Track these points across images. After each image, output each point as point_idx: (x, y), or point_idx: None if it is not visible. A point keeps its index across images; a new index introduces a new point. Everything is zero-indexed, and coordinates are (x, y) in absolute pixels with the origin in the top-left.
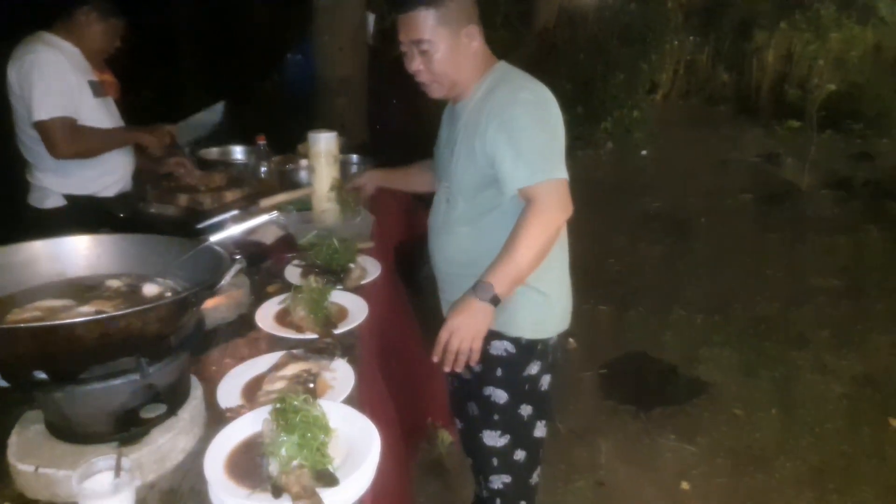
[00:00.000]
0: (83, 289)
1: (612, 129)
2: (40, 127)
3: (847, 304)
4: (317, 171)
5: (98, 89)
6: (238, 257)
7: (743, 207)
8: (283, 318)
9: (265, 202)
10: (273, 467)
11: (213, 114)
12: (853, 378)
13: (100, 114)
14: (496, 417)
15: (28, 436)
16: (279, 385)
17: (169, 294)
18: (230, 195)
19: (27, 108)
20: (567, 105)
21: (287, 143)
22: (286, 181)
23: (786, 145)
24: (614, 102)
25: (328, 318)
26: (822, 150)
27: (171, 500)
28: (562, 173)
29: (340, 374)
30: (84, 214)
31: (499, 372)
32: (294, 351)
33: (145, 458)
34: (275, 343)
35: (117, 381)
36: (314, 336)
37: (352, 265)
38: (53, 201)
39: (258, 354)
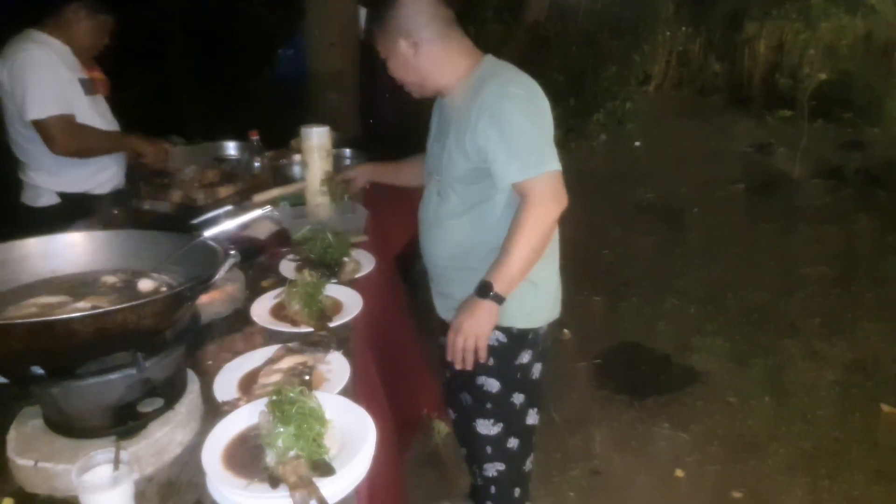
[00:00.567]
0: (78, 285)
1: (604, 121)
2: (38, 125)
3: (838, 292)
4: (310, 166)
5: (88, 87)
6: (232, 252)
7: (735, 197)
8: (278, 312)
9: (259, 197)
10: (270, 458)
11: None
12: (844, 365)
13: (91, 111)
14: (489, 406)
15: (27, 431)
16: (275, 378)
17: (164, 289)
18: (223, 191)
19: (19, 107)
20: (559, 97)
21: (280, 138)
22: (279, 176)
23: (777, 135)
24: (607, 94)
25: (323, 312)
26: (813, 140)
27: (169, 493)
28: (554, 165)
29: (336, 367)
30: (78, 212)
31: (491, 361)
32: (289, 344)
33: (143, 452)
34: (270, 337)
35: (114, 376)
36: (309, 329)
37: (346, 259)
38: (47, 199)
39: (254, 348)
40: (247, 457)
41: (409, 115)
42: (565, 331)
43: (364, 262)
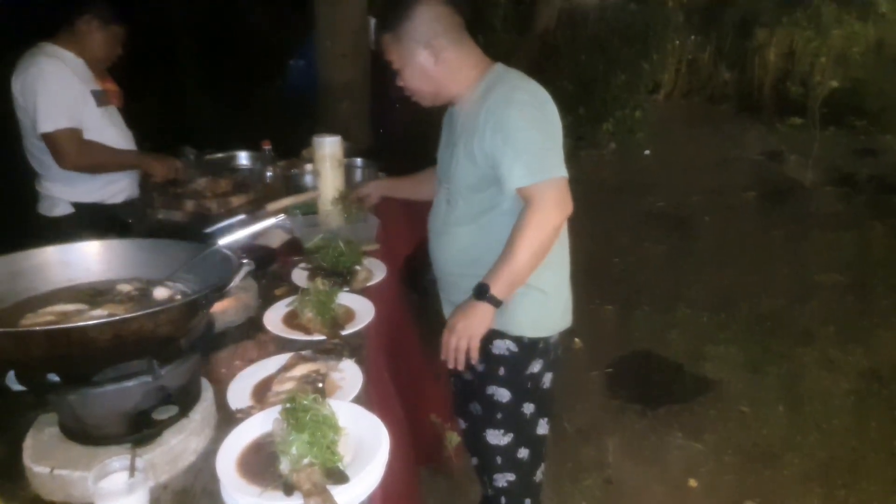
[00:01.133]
0: (95, 293)
1: (614, 130)
2: (47, 138)
3: (852, 299)
4: (322, 175)
5: (101, 98)
6: (246, 260)
7: (747, 205)
8: (290, 320)
9: (271, 206)
10: (284, 465)
11: None
12: (860, 374)
13: (103, 122)
14: (499, 416)
15: (43, 438)
16: (288, 386)
17: (179, 297)
18: (236, 200)
19: (32, 120)
20: (569, 106)
21: (292, 147)
22: (291, 185)
23: (788, 142)
24: (616, 102)
25: (335, 320)
26: (825, 147)
27: (184, 500)
28: (560, 172)
29: (348, 375)
30: (92, 222)
31: (501, 371)
32: (302, 352)
33: (158, 459)
34: (283, 345)
35: (130, 383)
36: (322, 337)
37: (358, 267)
38: (62, 209)
39: (267, 356)
40: (261, 464)
41: (419, 125)
42: (577, 340)
43: (376, 271)
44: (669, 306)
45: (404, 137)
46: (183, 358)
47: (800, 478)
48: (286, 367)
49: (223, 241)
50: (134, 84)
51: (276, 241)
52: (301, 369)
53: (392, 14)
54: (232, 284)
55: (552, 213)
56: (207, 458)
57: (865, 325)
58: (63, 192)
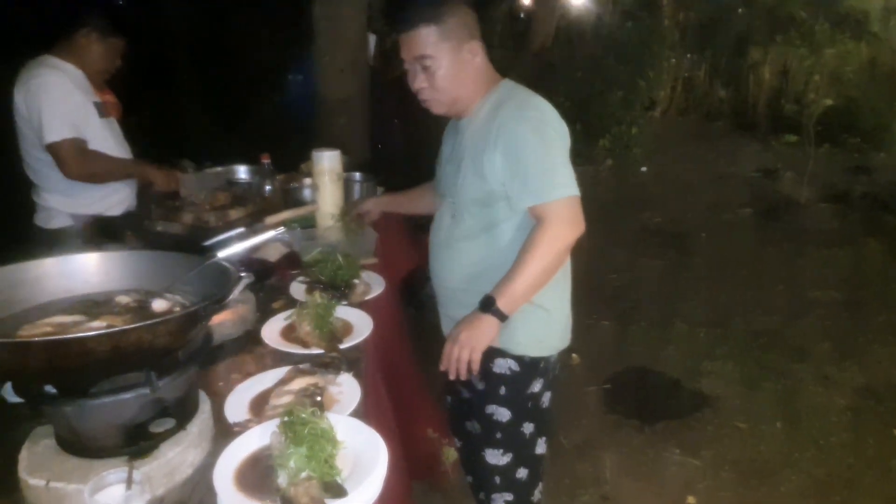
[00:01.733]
0: (93, 305)
1: (610, 146)
2: (52, 148)
3: (847, 316)
4: (321, 189)
5: (102, 110)
6: (244, 273)
7: (742, 222)
8: (288, 333)
9: (270, 219)
10: (282, 479)
11: None
12: (855, 390)
13: (105, 134)
14: (498, 435)
15: (38, 451)
16: (286, 399)
17: (178, 309)
18: (235, 213)
19: (36, 131)
20: (565, 122)
21: (290, 161)
22: (290, 199)
23: (783, 160)
24: (612, 119)
25: (333, 334)
26: (819, 164)
27: None
28: (571, 190)
29: (346, 388)
30: (90, 233)
31: (502, 390)
32: (300, 366)
33: (155, 472)
34: (281, 358)
35: (127, 396)
36: (320, 351)
37: (356, 281)
38: (60, 221)
39: (264, 369)
40: (258, 478)
41: (417, 140)
42: (574, 355)
43: (374, 285)
44: (666, 322)
45: (402, 152)
46: (181, 370)
47: (797, 494)
48: (284, 381)
49: (222, 254)
50: (133, 97)
51: (274, 254)
52: (299, 383)
53: (430, 7)
54: (232, 295)
55: (565, 231)
56: (204, 471)
57: (860, 341)
58: (61, 203)
